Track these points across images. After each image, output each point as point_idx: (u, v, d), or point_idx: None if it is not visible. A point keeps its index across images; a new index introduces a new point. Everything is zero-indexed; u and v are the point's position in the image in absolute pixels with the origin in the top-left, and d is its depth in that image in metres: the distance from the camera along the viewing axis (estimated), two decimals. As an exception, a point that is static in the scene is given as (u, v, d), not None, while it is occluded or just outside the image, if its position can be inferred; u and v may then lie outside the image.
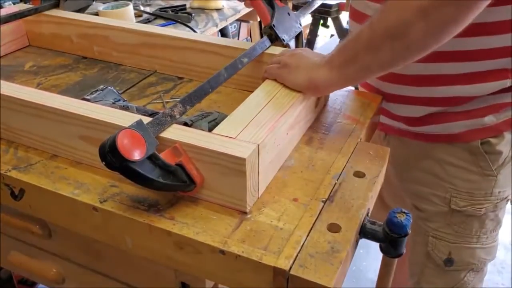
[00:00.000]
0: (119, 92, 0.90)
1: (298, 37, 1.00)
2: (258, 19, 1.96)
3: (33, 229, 0.78)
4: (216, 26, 1.47)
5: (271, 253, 0.58)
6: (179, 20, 1.37)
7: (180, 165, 0.62)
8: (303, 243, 0.60)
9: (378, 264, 0.76)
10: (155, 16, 1.42)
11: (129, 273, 0.76)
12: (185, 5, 1.53)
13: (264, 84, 0.78)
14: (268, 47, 0.91)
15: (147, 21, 1.43)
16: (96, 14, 1.26)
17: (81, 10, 1.18)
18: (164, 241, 0.62)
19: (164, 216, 0.64)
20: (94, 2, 1.23)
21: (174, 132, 0.65)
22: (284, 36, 0.94)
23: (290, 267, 0.56)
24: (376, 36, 0.66)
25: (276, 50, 0.91)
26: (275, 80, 0.78)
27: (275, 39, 0.93)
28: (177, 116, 0.68)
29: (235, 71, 0.80)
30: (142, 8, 1.53)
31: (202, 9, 1.53)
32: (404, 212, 0.64)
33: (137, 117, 0.66)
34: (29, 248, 0.84)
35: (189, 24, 1.37)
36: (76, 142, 0.72)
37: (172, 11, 1.46)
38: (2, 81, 0.75)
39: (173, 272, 0.70)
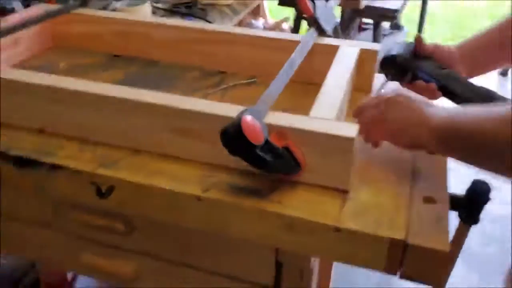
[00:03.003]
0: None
1: (335, 28, 1.04)
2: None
3: (118, 227, 0.78)
4: (231, 21, 1.49)
5: (384, 226, 0.63)
6: (196, 15, 1.38)
7: (286, 148, 0.65)
8: (409, 216, 0.65)
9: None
10: (171, 12, 1.42)
11: (220, 261, 0.78)
12: (196, 1, 1.54)
13: (332, 71, 0.82)
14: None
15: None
16: (114, 11, 1.24)
17: (103, 8, 1.17)
18: (274, 223, 0.65)
19: (271, 200, 0.66)
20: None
21: (276, 117, 0.67)
22: (327, 27, 0.98)
23: (406, 237, 0.61)
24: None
25: (322, 40, 0.95)
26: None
27: (319, 30, 0.97)
28: (270, 104, 0.70)
29: (298, 63, 0.84)
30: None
31: (212, 5, 1.54)
32: (485, 182, 0.71)
33: (227, 107, 0.69)
34: (102, 248, 0.83)
35: (208, 19, 1.38)
36: (164, 136, 0.73)
37: (185, 7, 1.47)
38: (81, 80, 0.75)
39: (272, 252, 0.72)
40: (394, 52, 0.84)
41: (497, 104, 0.59)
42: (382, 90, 0.83)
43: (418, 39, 0.84)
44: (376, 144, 0.74)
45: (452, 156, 0.69)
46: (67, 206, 0.81)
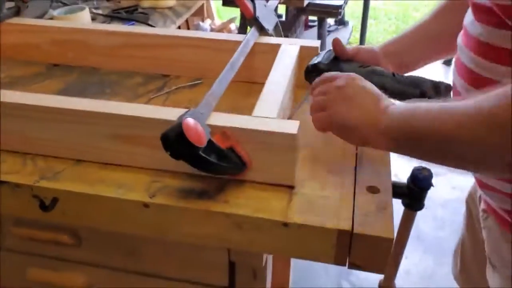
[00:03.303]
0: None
1: (276, 27, 1.05)
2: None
3: (63, 239, 0.76)
4: (174, 23, 1.48)
5: (330, 218, 0.64)
6: (139, 20, 1.36)
7: (230, 149, 0.65)
8: (354, 206, 0.66)
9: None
10: (111, 17, 1.39)
11: (172, 265, 0.77)
12: (137, 5, 1.52)
13: (274, 70, 0.83)
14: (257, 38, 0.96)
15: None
16: (51, 19, 1.21)
17: (40, 16, 1.14)
18: (223, 223, 0.65)
19: (218, 200, 0.66)
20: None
21: (218, 119, 0.67)
22: (267, 26, 0.99)
23: (352, 227, 0.63)
24: (463, 149, 0.56)
25: (263, 39, 0.96)
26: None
27: (260, 30, 0.98)
28: (213, 104, 0.70)
29: (239, 65, 0.84)
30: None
31: (154, 8, 1.53)
32: (426, 169, 0.74)
33: (170, 110, 0.68)
34: (49, 261, 0.81)
35: (150, 23, 1.37)
36: (105, 143, 0.71)
37: (126, 12, 1.44)
38: (16, 92, 0.73)
39: (224, 253, 0.72)
40: (316, 61, 0.85)
41: (457, 99, 0.60)
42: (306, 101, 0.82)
43: (336, 41, 0.85)
44: (323, 131, 0.72)
45: (405, 154, 0.66)
46: (10, 221, 0.78)
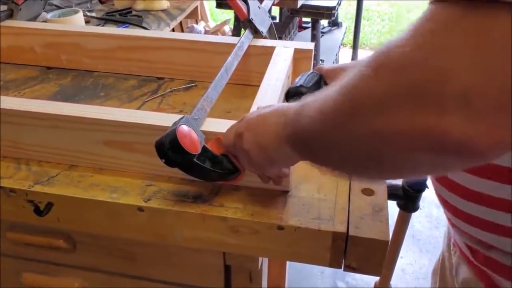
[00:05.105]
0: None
1: (270, 28, 1.05)
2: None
3: (58, 244, 0.76)
4: (169, 26, 1.48)
5: (325, 221, 0.64)
6: (133, 23, 1.36)
7: (225, 155, 0.65)
8: (349, 208, 0.66)
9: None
10: (105, 20, 1.39)
11: (168, 269, 0.77)
12: (131, 8, 1.51)
13: (268, 72, 0.83)
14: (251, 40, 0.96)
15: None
16: (44, 22, 1.20)
17: (33, 19, 1.14)
18: (218, 227, 0.65)
19: (214, 204, 0.66)
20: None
21: (212, 125, 0.67)
22: (261, 28, 0.99)
23: (347, 230, 0.63)
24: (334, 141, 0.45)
25: (258, 42, 0.96)
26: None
27: (254, 32, 0.98)
28: (208, 110, 0.70)
29: (235, 66, 0.84)
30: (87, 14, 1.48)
31: (147, 11, 1.52)
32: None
33: (164, 116, 0.68)
34: (44, 266, 0.81)
35: (144, 26, 1.36)
36: (99, 149, 0.71)
37: (120, 14, 1.44)
38: (9, 97, 0.72)
39: (220, 256, 0.72)
40: (297, 84, 0.80)
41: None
42: None
43: (318, 68, 0.80)
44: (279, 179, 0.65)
45: (314, 162, 0.55)
46: (5, 226, 0.78)
